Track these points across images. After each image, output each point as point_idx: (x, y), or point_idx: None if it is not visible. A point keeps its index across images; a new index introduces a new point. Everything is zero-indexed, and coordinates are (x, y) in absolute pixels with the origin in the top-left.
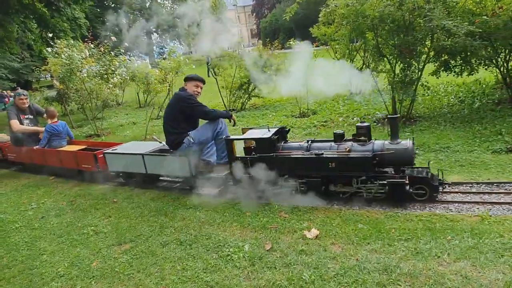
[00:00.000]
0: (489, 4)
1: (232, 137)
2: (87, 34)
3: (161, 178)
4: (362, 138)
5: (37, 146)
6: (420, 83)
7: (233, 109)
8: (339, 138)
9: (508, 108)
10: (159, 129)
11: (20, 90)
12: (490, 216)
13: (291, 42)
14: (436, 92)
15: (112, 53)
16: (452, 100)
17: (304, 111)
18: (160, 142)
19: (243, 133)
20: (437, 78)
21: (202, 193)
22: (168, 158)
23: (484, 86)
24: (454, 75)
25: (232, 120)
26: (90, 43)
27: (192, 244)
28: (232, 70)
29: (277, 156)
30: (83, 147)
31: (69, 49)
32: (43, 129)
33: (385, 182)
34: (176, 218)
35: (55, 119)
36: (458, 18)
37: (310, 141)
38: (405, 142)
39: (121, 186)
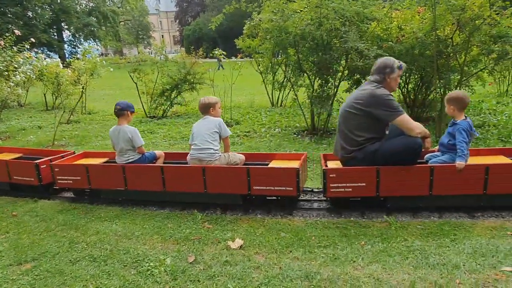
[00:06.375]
0: (394, 32)
1: None
2: None
3: None
4: None
5: None
6: (335, 98)
7: (154, 116)
8: None
9: None
10: (69, 134)
11: (399, 62)
12: (397, 221)
13: (215, 52)
14: None
15: (15, 48)
16: None
17: (227, 121)
18: None
19: None
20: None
21: None
22: None
23: None
24: None
25: None
26: None
27: (107, 260)
28: (154, 75)
29: None
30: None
31: None
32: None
33: None
34: (88, 232)
35: None
36: (369, 42)
37: None
38: None
39: (22, 197)
